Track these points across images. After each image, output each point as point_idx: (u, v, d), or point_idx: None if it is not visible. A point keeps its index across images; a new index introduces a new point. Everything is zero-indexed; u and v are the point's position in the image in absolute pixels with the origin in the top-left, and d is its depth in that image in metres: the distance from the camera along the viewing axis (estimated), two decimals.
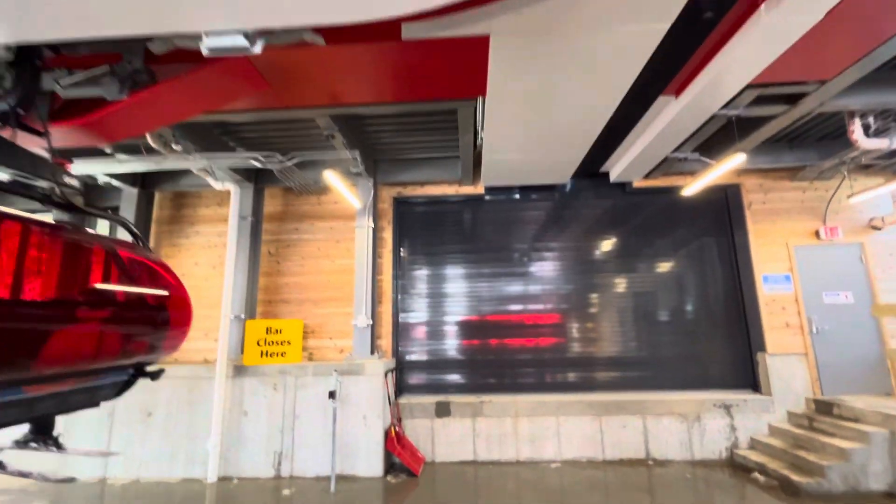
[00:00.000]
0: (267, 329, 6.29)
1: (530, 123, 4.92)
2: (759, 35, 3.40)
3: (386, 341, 6.94)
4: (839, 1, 3.08)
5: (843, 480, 4.97)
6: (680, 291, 7.05)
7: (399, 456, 5.91)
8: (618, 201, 7.39)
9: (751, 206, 7.07)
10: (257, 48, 2.67)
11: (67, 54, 3.47)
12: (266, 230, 7.36)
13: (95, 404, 2.35)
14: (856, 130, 5.46)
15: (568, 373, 6.91)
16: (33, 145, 2.82)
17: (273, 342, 6.26)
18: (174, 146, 5.45)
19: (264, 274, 7.22)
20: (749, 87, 4.32)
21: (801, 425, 6.01)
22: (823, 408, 5.98)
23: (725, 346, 6.84)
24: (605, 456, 6.27)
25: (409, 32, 3.44)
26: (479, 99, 4.97)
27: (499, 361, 7.00)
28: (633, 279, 7.14)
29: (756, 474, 5.63)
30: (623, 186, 7.31)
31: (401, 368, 6.95)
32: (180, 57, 3.80)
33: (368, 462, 5.87)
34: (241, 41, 2.63)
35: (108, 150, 6.43)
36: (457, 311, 7.17)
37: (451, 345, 7.09)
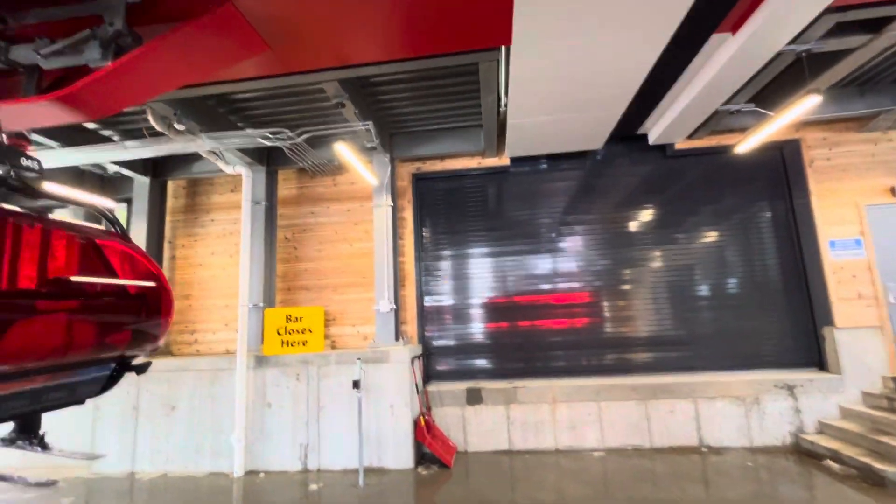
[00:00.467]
0: (287, 317, 5.99)
1: (560, 77, 4.35)
2: None
3: (411, 326, 6.56)
4: None
5: None
6: (727, 263, 6.38)
7: (430, 446, 5.57)
8: (657, 166, 6.71)
9: (812, 163, 6.28)
10: None
11: (25, 22, 3.13)
12: (281, 215, 7.03)
13: (79, 401, 2.20)
14: None
15: (605, 355, 6.39)
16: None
17: (293, 331, 5.97)
18: (177, 126, 5.11)
19: (282, 260, 6.92)
20: (827, 11, 3.62)
21: (880, 407, 5.34)
22: None
23: (784, 321, 6.16)
24: (652, 443, 5.76)
25: None
26: (503, 61, 4.42)
27: (530, 344, 6.53)
28: (674, 252, 6.50)
29: (829, 462, 5.03)
30: (663, 149, 6.62)
31: (428, 354, 6.57)
32: (164, 16, 3.41)
33: (398, 453, 5.56)
34: None
35: (114, 138, 6.20)
36: (484, 292, 6.72)
37: (480, 328, 6.66)
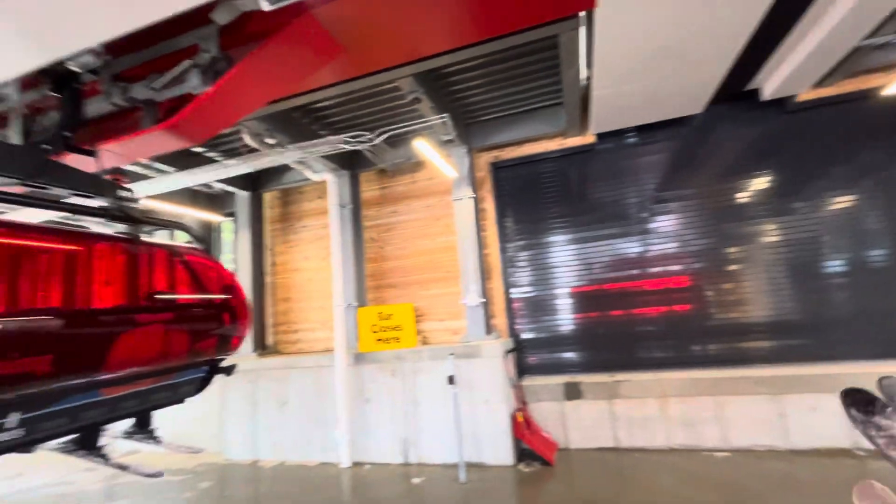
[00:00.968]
0: (378, 315, 6.17)
1: (653, 36, 3.86)
2: None
3: (501, 320, 6.40)
4: None
5: None
6: (867, 232, 5.32)
7: (529, 443, 5.39)
8: (771, 125, 5.79)
9: None
10: None
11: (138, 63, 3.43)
12: (366, 216, 7.25)
13: (180, 401, 2.52)
14: None
15: (715, 344, 5.69)
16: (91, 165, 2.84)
17: (385, 328, 6.12)
18: (269, 140, 5.45)
19: (369, 260, 7.14)
20: None
21: None
22: None
23: None
24: (791, 444, 5.02)
25: None
26: (583, 28, 4.04)
27: (625, 335, 6.03)
28: (793, 223, 5.57)
29: None
30: (781, 104, 5.68)
31: (519, 348, 6.37)
32: (250, 35, 3.57)
33: (496, 449, 5.45)
34: None
35: (217, 159, 6.80)
36: (572, 281, 6.33)
37: (569, 319, 6.30)
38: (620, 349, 6.04)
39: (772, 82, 5.20)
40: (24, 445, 1.78)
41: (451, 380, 5.21)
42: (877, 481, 0.87)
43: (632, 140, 6.31)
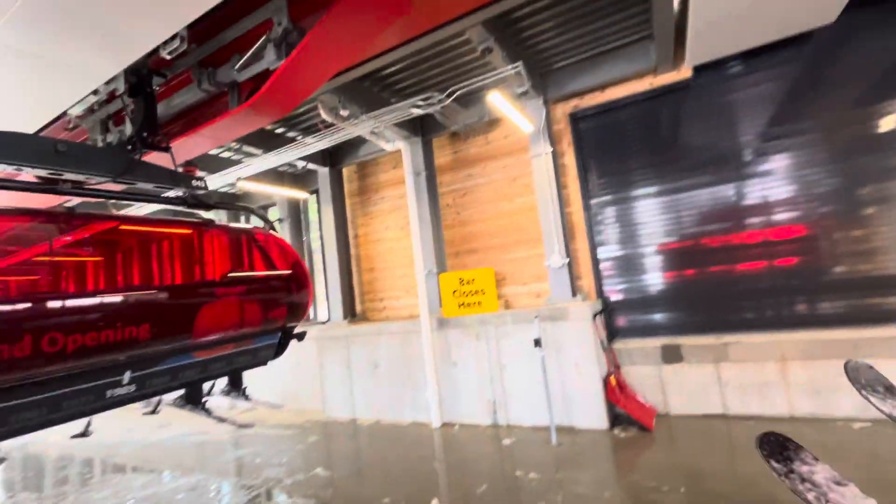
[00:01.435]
0: (459, 280, 6.15)
1: None
2: None
3: (587, 281, 6.07)
4: None
5: None
6: None
7: (624, 407, 5.13)
8: None
9: None
10: None
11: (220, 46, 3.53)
12: (441, 182, 7.17)
13: (262, 363, 2.75)
14: None
15: (843, 300, 4.87)
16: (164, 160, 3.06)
17: (467, 293, 6.10)
18: (342, 112, 5.51)
19: (447, 226, 7.11)
20: None
21: None
22: None
23: None
24: None
25: None
26: None
27: (733, 293, 5.38)
28: None
29: None
30: None
31: (608, 309, 6.02)
32: (318, 3, 3.52)
33: (588, 413, 5.28)
34: None
35: (297, 138, 7.09)
36: (664, 236, 5.76)
37: (665, 278, 5.78)
38: (725, 309, 5.44)
39: None
40: (136, 399, 2.08)
41: (537, 343, 5.08)
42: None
43: (736, 70, 5.43)
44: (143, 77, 3.33)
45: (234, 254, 2.64)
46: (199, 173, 2.85)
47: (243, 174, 6.99)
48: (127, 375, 1.96)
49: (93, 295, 2.01)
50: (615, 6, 4.79)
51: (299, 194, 8.58)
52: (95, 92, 3.85)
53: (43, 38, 2.84)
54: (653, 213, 5.85)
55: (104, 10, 2.63)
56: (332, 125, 6.08)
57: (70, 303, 1.86)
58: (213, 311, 2.28)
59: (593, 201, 6.16)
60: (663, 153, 5.79)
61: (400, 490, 4.42)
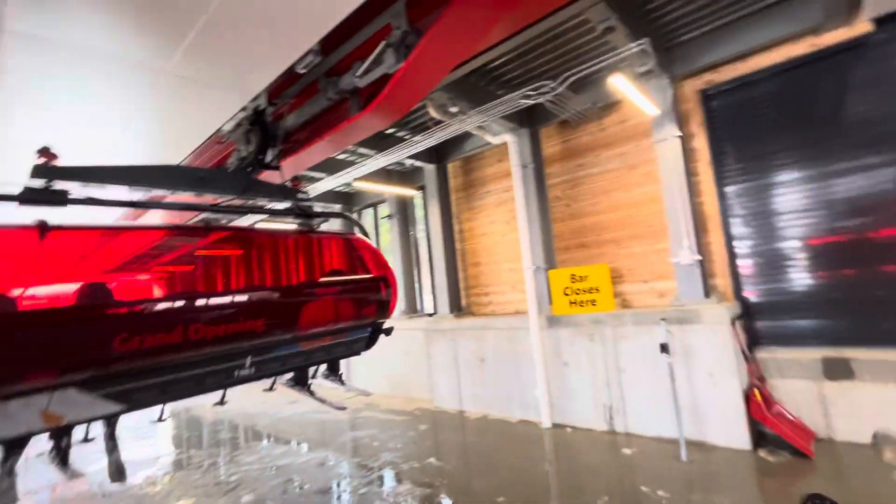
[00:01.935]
0: (570, 277, 5.86)
1: None
2: None
3: (723, 280, 5.36)
4: None
5: None
6: None
7: (773, 427, 4.44)
8: None
9: None
10: None
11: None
12: (549, 174, 6.88)
13: (355, 353, 3.08)
14: None
15: None
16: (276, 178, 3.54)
17: (580, 290, 5.78)
18: (452, 109, 5.53)
19: (556, 220, 6.81)
20: None
21: None
22: None
23: None
24: None
25: None
26: None
27: None
28: None
29: None
30: None
31: (750, 313, 5.25)
32: (434, 3, 3.52)
33: (726, 429, 4.67)
34: None
35: (406, 137, 7.33)
36: (819, 228, 4.82)
37: (820, 277, 4.84)
38: None
39: None
40: (255, 379, 2.49)
41: (664, 348, 4.62)
42: None
43: None
44: (259, 109, 3.89)
45: (333, 257, 3.04)
46: (304, 186, 3.24)
47: (357, 174, 7.44)
48: (248, 360, 2.36)
49: (222, 295, 2.45)
50: None
51: (407, 191, 8.91)
52: (244, 109, 4.34)
53: (203, 65, 3.24)
54: (803, 202, 4.94)
55: (253, 30, 2.91)
56: (440, 122, 6.16)
57: (207, 301, 2.29)
58: (315, 308, 2.63)
59: (729, 189, 5.39)
60: (820, 129, 4.84)
61: (513, 490, 4.36)
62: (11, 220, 1.87)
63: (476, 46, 4.19)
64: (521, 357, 6.44)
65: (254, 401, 8.98)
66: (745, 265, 5.31)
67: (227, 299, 2.35)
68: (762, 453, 4.46)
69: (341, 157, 7.97)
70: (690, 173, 5.43)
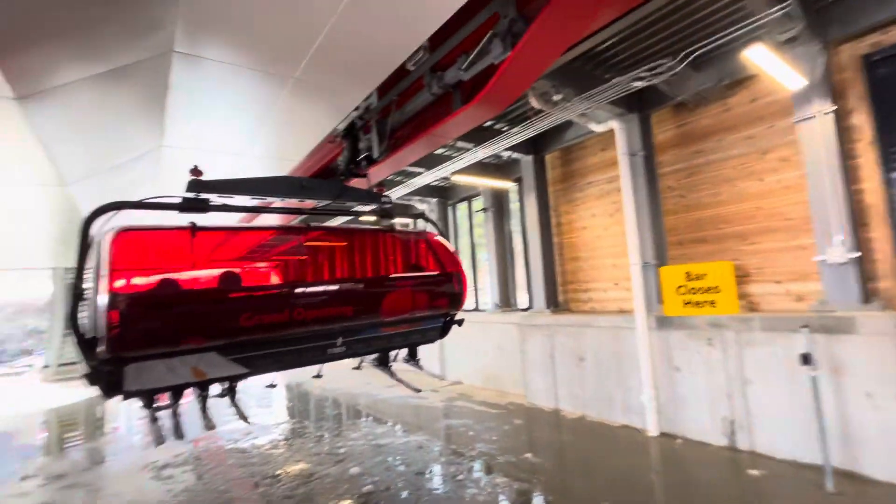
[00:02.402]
0: (685, 275, 5.32)
1: None
2: None
3: (889, 283, 4.46)
4: None
5: None
6: None
7: None
8: None
9: None
10: None
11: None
12: (661, 162, 6.32)
13: (429, 341, 3.47)
14: None
15: None
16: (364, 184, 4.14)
17: (696, 290, 5.23)
18: (555, 97, 5.32)
19: (668, 212, 6.23)
20: None
21: None
22: None
23: None
24: None
25: None
26: None
27: None
28: None
29: None
30: None
31: None
32: None
33: (888, 461, 3.91)
34: None
35: (503, 129, 7.25)
36: None
37: None
38: None
39: None
40: (344, 357, 2.91)
41: (806, 359, 3.98)
42: None
43: None
44: (351, 124, 4.34)
45: (412, 253, 3.44)
46: (386, 191, 3.61)
47: (455, 168, 7.54)
48: (339, 340, 2.80)
49: (319, 284, 2.99)
50: None
51: (502, 184, 8.83)
52: (356, 108, 4.61)
53: (325, 69, 3.49)
54: None
55: (371, 32, 3.05)
56: (540, 112, 5.97)
57: (307, 289, 2.77)
58: (394, 298, 2.99)
59: None
60: None
61: (616, 497, 4.11)
62: (172, 223, 2.44)
63: (586, 30, 3.98)
64: (624, 358, 6.04)
65: (355, 382, 9.63)
66: None
67: (322, 288, 2.82)
68: None
69: (439, 151, 8.13)
70: (846, 156, 4.58)
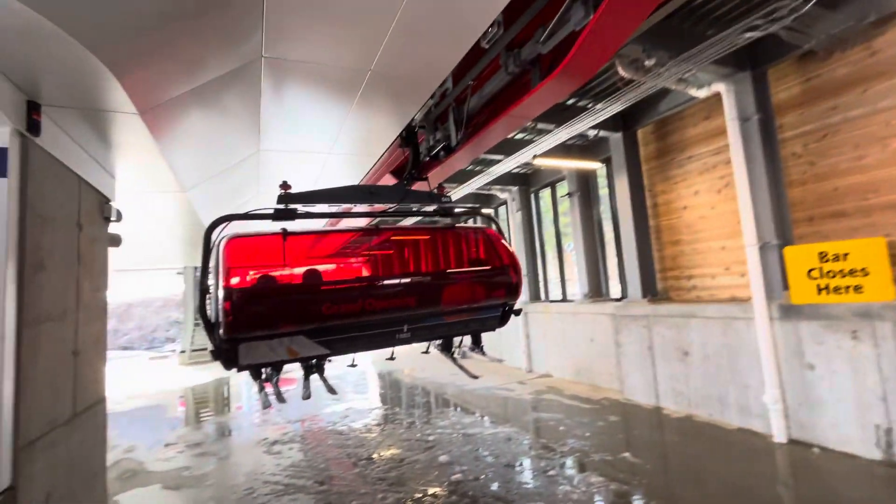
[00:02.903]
0: (819, 255, 4.50)
1: None
2: None
3: None
4: None
5: None
6: None
7: None
8: None
9: None
10: None
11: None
12: (782, 126, 5.40)
13: (489, 329, 3.61)
14: None
15: None
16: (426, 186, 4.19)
17: (834, 272, 4.40)
18: (647, 63, 4.79)
19: (793, 184, 5.32)
20: None
21: None
22: None
23: None
24: None
25: None
26: None
27: None
28: None
29: None
30: None
31: None
32: None
33: None
34: None
35: (588, 106, 6.75)
36: None
37: None
38: None
39: None
40: (410, 342, 3.17)
41: None
42: None
43: None
44: (411, 132, 4.55)
45: (471, 248, 3.69)
46: (446, 191, 3.78)
47: (537, 151, 7.22)
48: (405, 327, 3.06)
49: (386, 278, 3.47)
50: None
51: (589, 164, 8.27)
52: (432, 96, 4.56)
53: (399, 58, 3.46)
54: None
55: (441, 14, 2.95)
56: (629, 82, 5.43)
57: (376, 283, 3.27)
58: (453, 290, 3.22)
59: None
60: None
61: None
62: (267, 229, 2.93)
63: None
64: (739, 352, 5.32)
65: (443, 372, 9.78)
66: None
67: (388, 282, 3.25)
68: None
69: (518, 136, 7.85)
70: None
